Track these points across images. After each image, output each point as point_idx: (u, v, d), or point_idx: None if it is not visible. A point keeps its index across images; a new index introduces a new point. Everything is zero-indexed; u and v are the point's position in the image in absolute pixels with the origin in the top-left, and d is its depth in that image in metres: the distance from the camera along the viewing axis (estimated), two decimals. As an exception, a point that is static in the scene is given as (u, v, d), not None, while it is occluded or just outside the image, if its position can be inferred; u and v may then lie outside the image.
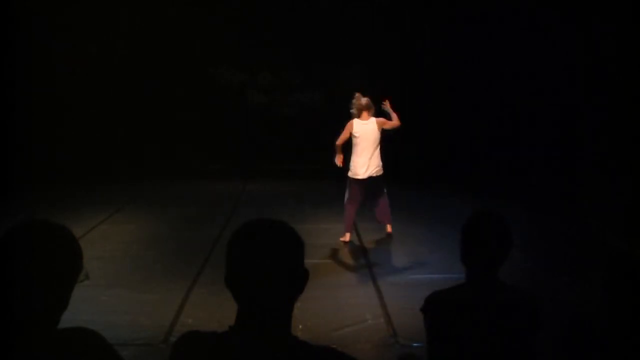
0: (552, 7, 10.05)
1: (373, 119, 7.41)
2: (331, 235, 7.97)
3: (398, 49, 12.48)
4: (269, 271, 1.59)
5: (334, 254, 7.20)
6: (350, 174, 7.48)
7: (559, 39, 10.03)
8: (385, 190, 7.68)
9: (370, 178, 7.40)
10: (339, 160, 7.61)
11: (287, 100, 13.28)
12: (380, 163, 7.44)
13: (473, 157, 11.87)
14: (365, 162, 7.34)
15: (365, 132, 7.37)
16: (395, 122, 7.50)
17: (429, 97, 12.36)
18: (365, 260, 6.98)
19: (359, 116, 7.42)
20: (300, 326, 4.94)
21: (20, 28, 11.23)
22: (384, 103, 7.63)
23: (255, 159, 13.01)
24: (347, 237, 7.71)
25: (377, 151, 7.40)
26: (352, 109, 7.46)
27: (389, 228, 7.88)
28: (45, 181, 10.94)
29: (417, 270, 6.56)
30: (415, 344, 4.71)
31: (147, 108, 12.61)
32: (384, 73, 12.11)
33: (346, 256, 7.18)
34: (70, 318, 1.73)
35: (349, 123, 7.46)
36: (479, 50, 11.86)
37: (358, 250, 7.41)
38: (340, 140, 7.49)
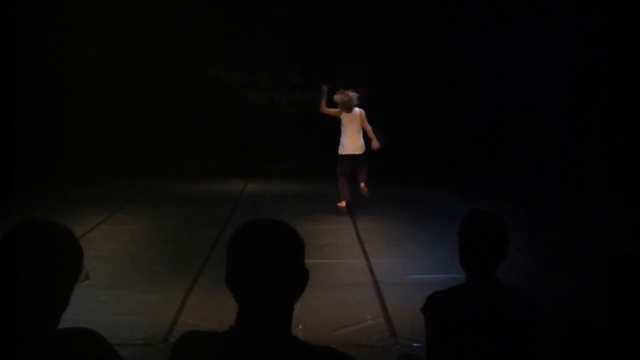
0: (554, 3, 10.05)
1: (357, 109, 8.92)
2: (331, 235, 7.97)
3: (398, 48, 12.47)
4: (269, 271, 1.59)
5: (334, 254, 7.19)
6: (340, 151, 9.00)
7: (561, 37, 10.02)
8: (366, 164, 8.98)
9: (354, 155, 8.90)
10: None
11: (287, 100, 13.29)
12: (363, 145, 8.95)
13: (473, 157, 11.85)
14: (349, 142, 8.89)
15: (350, 118, 8.90)
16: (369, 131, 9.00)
17: (429, 96, 12.36)
18: (364, 260, 6.97)
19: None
20: (300, 326, 4.92)
21: (19, 28, 11.22)
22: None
23: (255, 159, 13.00)
24: (343, 203, 9.09)
25: (360, 134, 8.93)
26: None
27: (362, 185, 9.01)
28: (45, 181, 10.93)
29: (417, 270, 6.55)
30: (415, 344, 4.70)
31: (147, 108, 12.60)
32: (384, 73, 12.09)
33: (346, 256, 7.17)
34: (70, 318, 1.72)
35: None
36: (478, 49, 11.85)
37: (358, 250, 7.40)
38: (324, 108, 9.19)
